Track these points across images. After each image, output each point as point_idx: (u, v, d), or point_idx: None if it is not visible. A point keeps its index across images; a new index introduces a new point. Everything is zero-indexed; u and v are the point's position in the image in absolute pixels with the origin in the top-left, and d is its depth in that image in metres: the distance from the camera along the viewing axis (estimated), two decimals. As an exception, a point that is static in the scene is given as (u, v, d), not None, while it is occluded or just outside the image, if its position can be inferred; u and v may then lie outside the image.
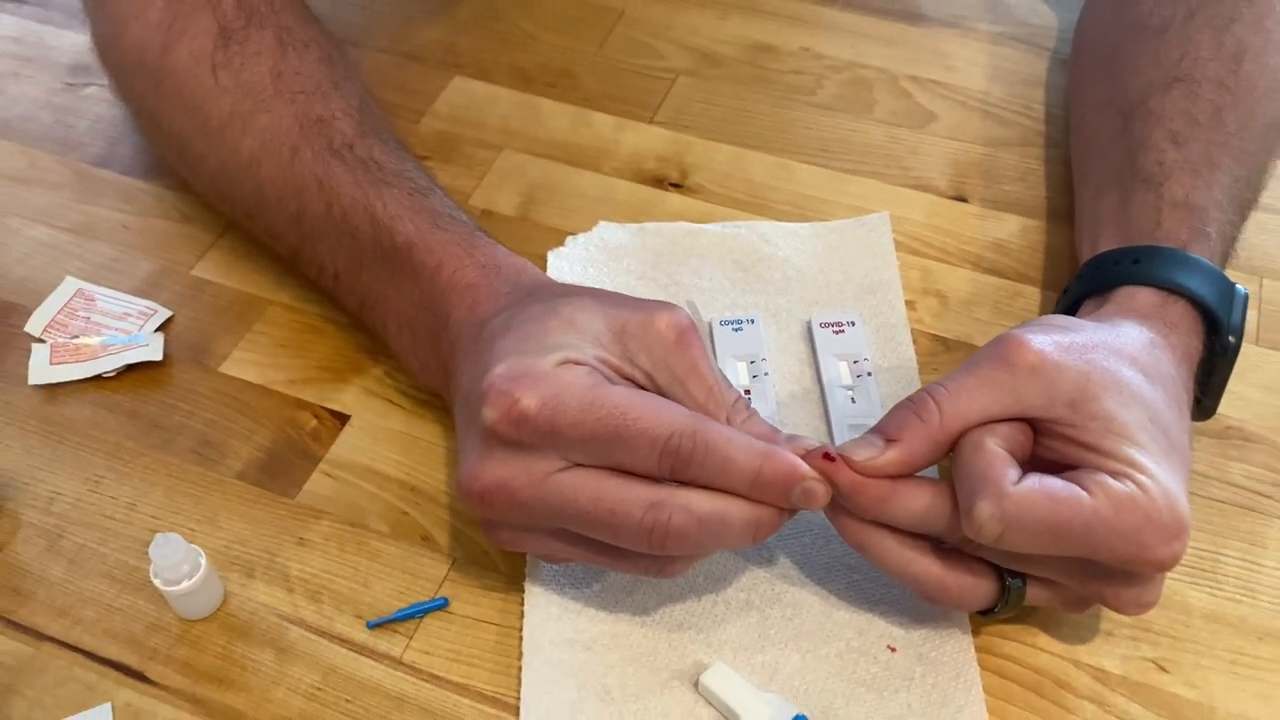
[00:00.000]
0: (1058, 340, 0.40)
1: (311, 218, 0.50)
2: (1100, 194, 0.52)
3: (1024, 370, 0.39)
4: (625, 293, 0.53)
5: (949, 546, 0.41)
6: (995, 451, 0.38)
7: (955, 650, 0.43)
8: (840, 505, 0.40)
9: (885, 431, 0.40)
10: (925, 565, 0.40)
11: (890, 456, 0.39)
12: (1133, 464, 0.38)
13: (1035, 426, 0.40)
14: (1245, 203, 0.51)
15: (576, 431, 0.38)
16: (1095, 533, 0.37)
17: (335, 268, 0.50)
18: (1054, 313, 0.49)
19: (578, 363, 0.39)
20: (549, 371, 0.39)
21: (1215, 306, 0.44)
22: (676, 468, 0.38)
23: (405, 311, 0.48)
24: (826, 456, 0.39)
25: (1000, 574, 0.41)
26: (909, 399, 0.40)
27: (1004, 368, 0.39)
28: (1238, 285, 0.46)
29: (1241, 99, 0.51)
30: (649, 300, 0.42)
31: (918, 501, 0.39)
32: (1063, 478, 0.38)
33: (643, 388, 0.40)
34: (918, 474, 0.40)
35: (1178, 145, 0.50)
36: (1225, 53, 0.52)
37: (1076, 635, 0.44)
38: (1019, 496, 0.37)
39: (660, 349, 0.40)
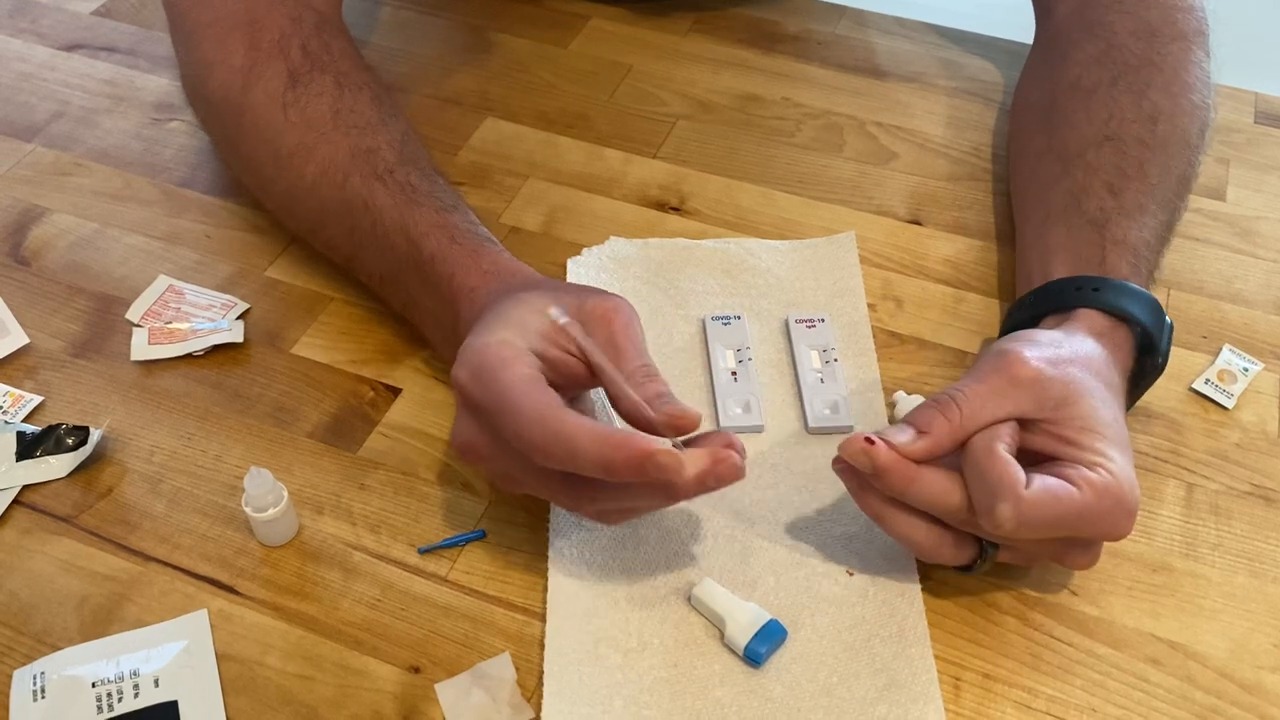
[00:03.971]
0: (1046, 355, 0.49)
1: (360, 233, 0.59)
2: (1046, 228, 0.61)
3: (1024, 381, 0.48)
4: (632, 296, 0.64)
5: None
6: (1007, 459, 0.46)
7: (902, 575, 0.53)
8: (867, 485, 0.49)
9: (916, 425, 0.48)
10: (925, 533, 0.49)
11: (922, 444, 0.48)
12: (1104, 455, 0.47)
13: (1025, 423, 0.49)
14: (1164, 240, 0.61)
15: (487, 406, 0.46)
16: (1084, 519, 0.46)
17: (381, 274, 0.60)
18: (1008, 320, 0.59)
19: (514, 345, 0.47)
20: (483, 347, 0.47)
21: (1154, 333, 0.54)
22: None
23: (433, 311, 0.57)
24: (868, 440, 0.47)
25: (979, 541, 0.50)
26: (934, 399, 0.49)
27: (1008, 379, 0.48)
28: (1168, 318, 0.55)
29: (1158, 154, 0.61)
30: (596, 290, 0.50)
31: (935, 487, 0.48)
32: (1047, 470, 0.47)
33: (574, 356, 0.48)
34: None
35: (1114, 194, 0.59)
36: (1144, 114, 0.62)
37: (1002, 566, 0.53)
38: (1031, 499, 0.45)
39: (588, 325, 0.49)
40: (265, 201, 0.66)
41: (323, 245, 0.63)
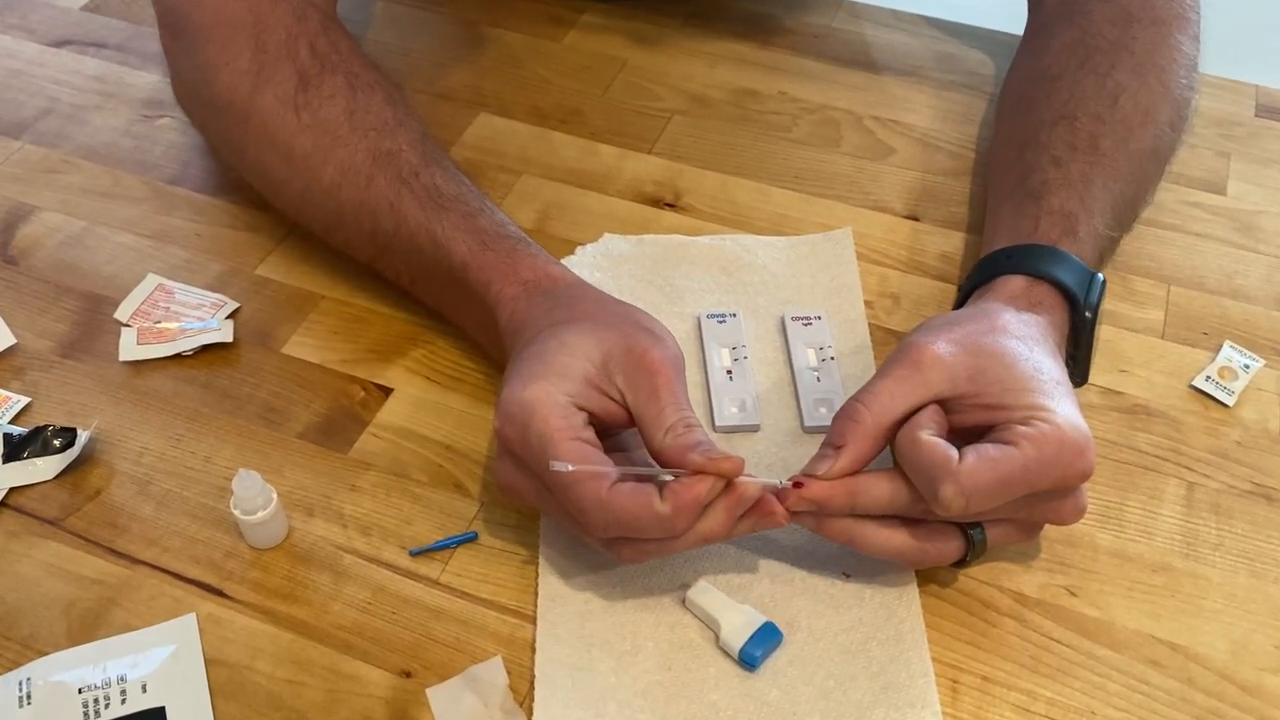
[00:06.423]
0: (945, 335, 0.49)
1: (384, 235, 0.59)
2: (998, 209, 0.62)
3: (926, 365, 0.48)
4: (627, 294, 0.63)
5: (916, 519, 0.49)
6: (933, 442, 0.46)
7: (899, 578, 0.52)
8: (823, 518, 0.48)
9: (831, 442, 0.48)
10: (903, 539, 0.48)
11: (843, 461, 0.47)
12: (1033, 406, 0.47)
13: (947, 405, 0.48)
14: (1121, 211, 0.61)
15: (532, 462, 0.47)
16: (1031, 472, 0.46)
17: (410, 277, 0.60)
18: (954, 303, 0.59)
19: (557, 403, 0.47)
20: (527, 404, 0.47)
21: (1072, 287, 0.54)
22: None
23: (472, 316, 0.57)
24: (797, 484, 0.47)
25: (963, 530, 0.49)
26: (841, 410, 0.49)
27: (910, 366, 0.48)
28: (1097, 274, 0.55)
29: (1115, 129, 0.61)
30: (644, 329, 0.50)
31: (880, 489, 0.47)
32: (990, 440, 0.47)
33: (616, 401, 0.49)
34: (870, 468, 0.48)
35: (1058, 166, 0.59)
36: (1105, 92, 0.62)
37: (1000, 567, 0.53)
38: (968, 471, 0.45)
39: (632, 375, 0.48)
40: (275, 202, 0.65)
41: (341, 245, 0.62)
